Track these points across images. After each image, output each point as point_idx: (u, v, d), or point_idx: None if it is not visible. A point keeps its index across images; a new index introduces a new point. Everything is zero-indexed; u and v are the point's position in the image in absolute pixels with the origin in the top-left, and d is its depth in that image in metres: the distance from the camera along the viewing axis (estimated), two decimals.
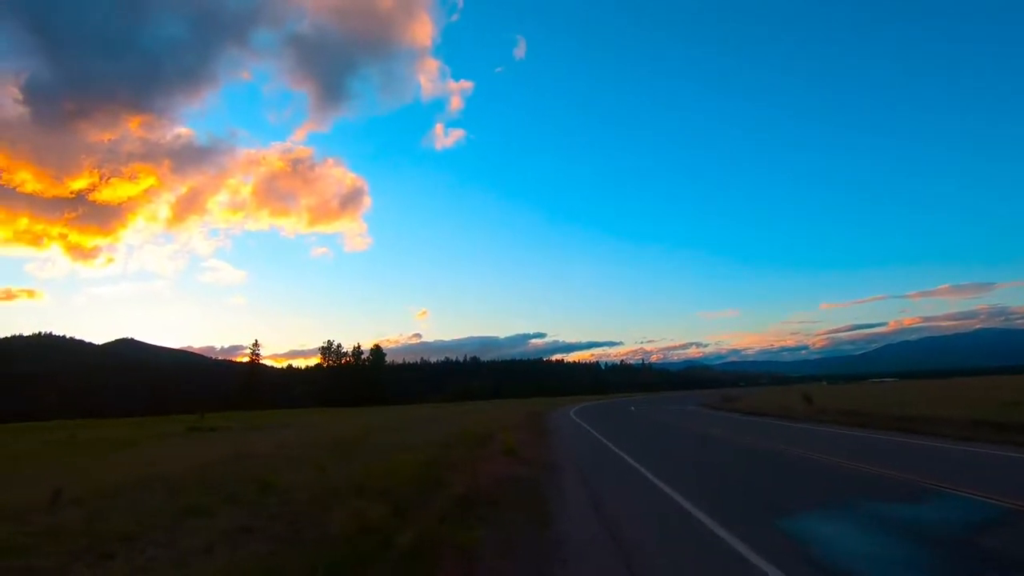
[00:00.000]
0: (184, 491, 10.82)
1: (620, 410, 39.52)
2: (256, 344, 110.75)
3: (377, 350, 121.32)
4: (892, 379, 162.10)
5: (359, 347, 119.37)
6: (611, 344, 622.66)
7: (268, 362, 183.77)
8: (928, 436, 14.01)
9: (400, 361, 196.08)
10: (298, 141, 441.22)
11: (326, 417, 45.98)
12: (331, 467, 13.66)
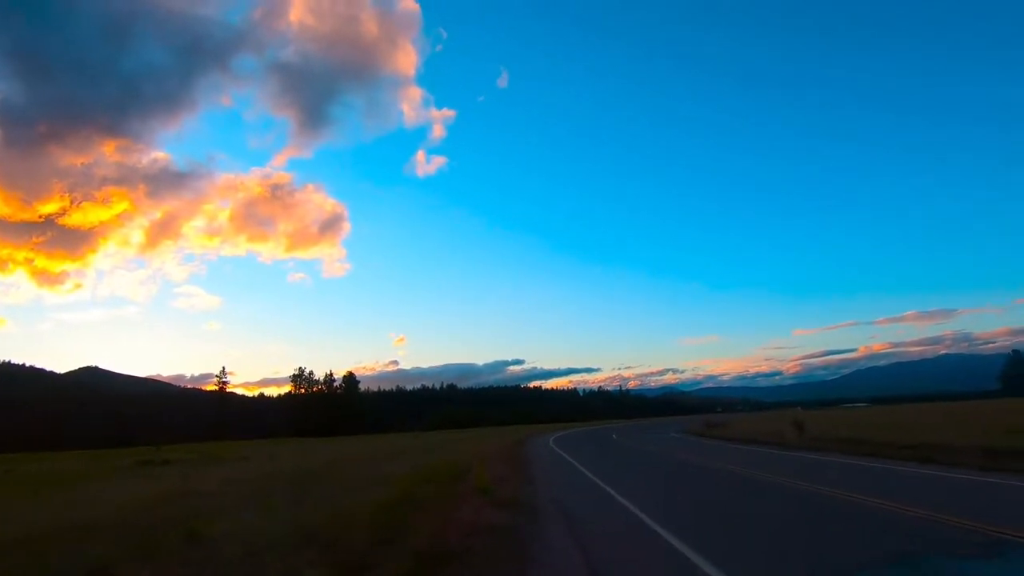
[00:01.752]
0: (97, 541, 9.09)
1: (602, 439, 37.94)
2: (224, 372, 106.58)
3: (350, 377, 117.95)
4: (864, 404, 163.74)
5: (331, 374, 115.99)
6: (589, 371, 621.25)
7: (240, 390, 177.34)
8: (948, 467, 12.91)
9: (377, 389, 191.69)
10: (278, 166, 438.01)
11: (293, 448, 43.54)
12: (282, 508, 11.98)
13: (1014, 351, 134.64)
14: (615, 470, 16.54)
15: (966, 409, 48.55)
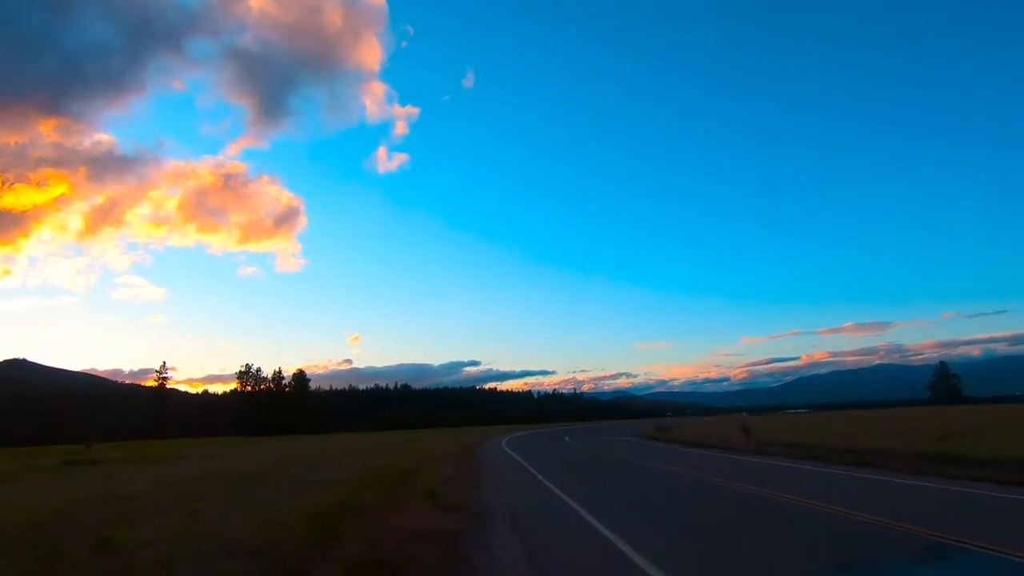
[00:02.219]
0: None
1: (555, 441, 37.87)
2: (164, 367, 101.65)
3: (300, 375, 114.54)
4: (804, 411, 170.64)
5: (280, 372, 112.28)
6: (544, 373, 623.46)
7: (183, 387, 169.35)
8: (885, 471, 13.27)
9: (329, 387, 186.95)
10: (232, 156, 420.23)
11: (236, 448, 41.69)
12: (211, 513, 11.19)
13: (941, 363, 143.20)
14: (568, 474, 16.22)
15: (898, 416, 51.13)
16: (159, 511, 11.58)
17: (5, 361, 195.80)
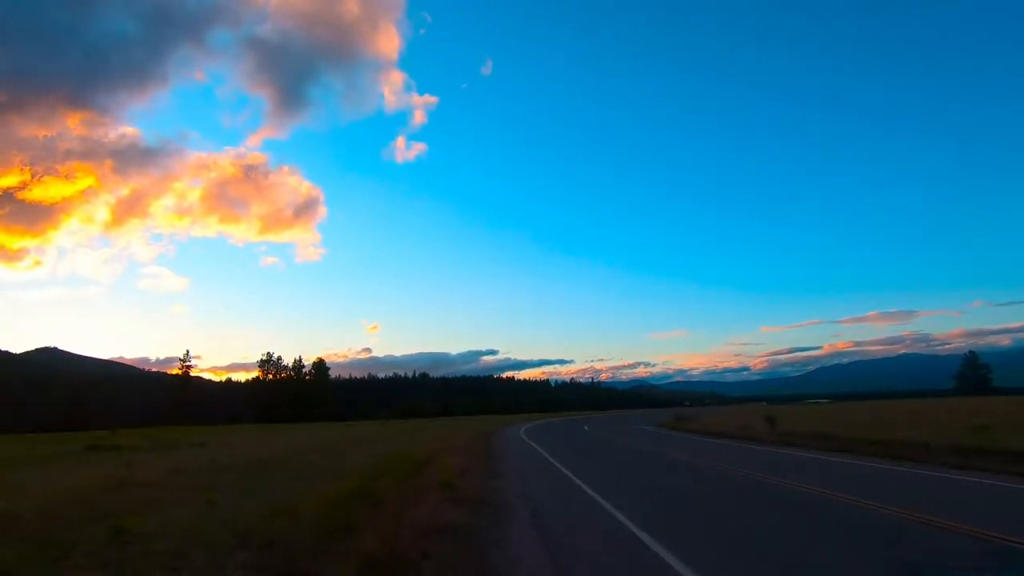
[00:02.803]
0: (6, 538, 8.13)
1: (573, 430, 37.52)
2: (188, 355, 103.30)
3: (320, 364, 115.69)
4: (827, 401, 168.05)
5: (300, 360, 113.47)
6: (562, 362, 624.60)
7: (207, 375, 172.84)
8: (924, 465, 12.66)
9: (348, 376, 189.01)
10: (253, 146, 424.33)
11: (255, 435, 42.11)
12: (226, 501, 11.08)
13: (970, 352, 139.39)
14: (588, 465, 15.69)
15: (926, 407, 49.69)
16: (175, 499, 11.49)
17: (36, 349, 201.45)
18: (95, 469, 18.73)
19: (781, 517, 7.62)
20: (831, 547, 6.00)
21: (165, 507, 10.78)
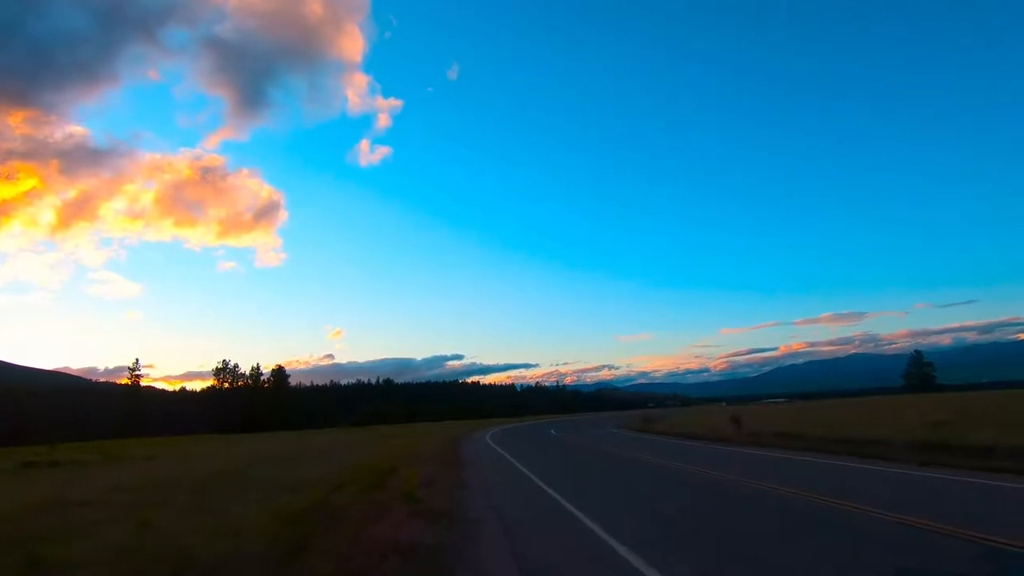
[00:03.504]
0: None
1: (541, 435, 37.11)
2: (137, 363, 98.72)
3: (279, 371, 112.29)
4: (783, 400, 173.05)
5: (258, 368, 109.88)
6: (527, 366, 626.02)
7: (161, 384, 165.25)
8: (892, 462, 12.69)
9: (310, 383, 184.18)
10: (210, 148, 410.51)
11: (209, 446, 40.19)
12: (167, 521, 10.15)
13: (915, 351, 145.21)
14: (560, 472, 15.14)
15: (880, 404, 51.44)
16: (108, 520, 10.48)
17: None
18: (27, 488, 17.28)
19: (779, 525, 7.22)
20: (831, 554, 5.68)
21: (95, 531, 9.79)
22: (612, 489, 11.30)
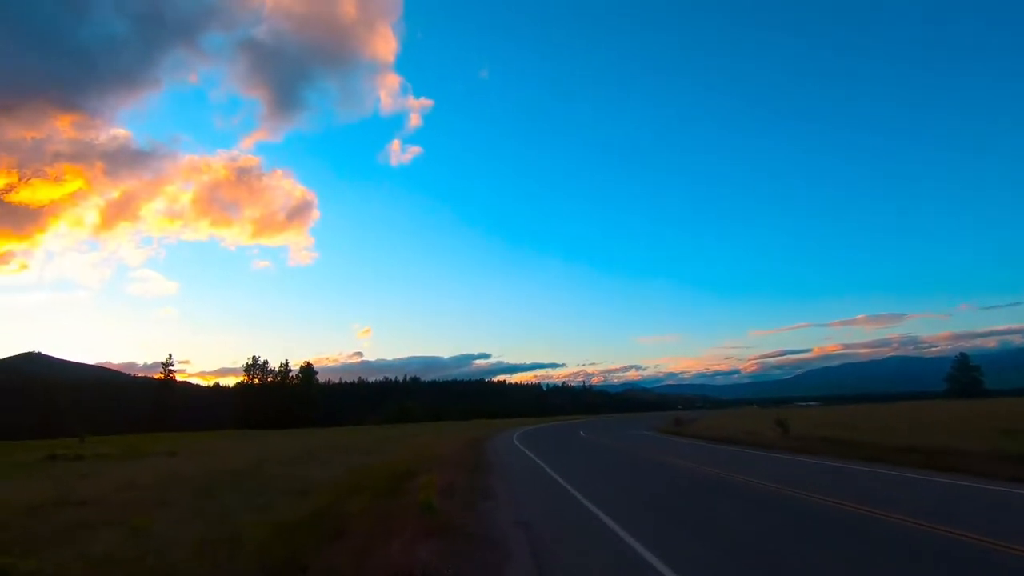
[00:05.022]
0: None
1: (570, 437, 35.68)
2: (171, 359, 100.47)
3: (307, 368, 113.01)
4: (816, 404, 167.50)
5: (286, 364, 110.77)
6: (554, 366, 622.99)
7: (195, 380, 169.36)
8: (971, 476, 11.01)
9: (338, 380, 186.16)
10: (246, 149, 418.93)
11: (232, 442, 39.94)
12: (162, 526, 9.27)
13: (961, 354, 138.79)
14: (595, 479, 13.58)
15: (927, 409, 48.43)
16: (102, 524, 9.65)
17: (20, 355, 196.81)
18: (40, 483, 16.71)
19: (839, 540, 5.79)
20: None
21: (87, 534, 8.94)
22: (667, 505, 9.62)
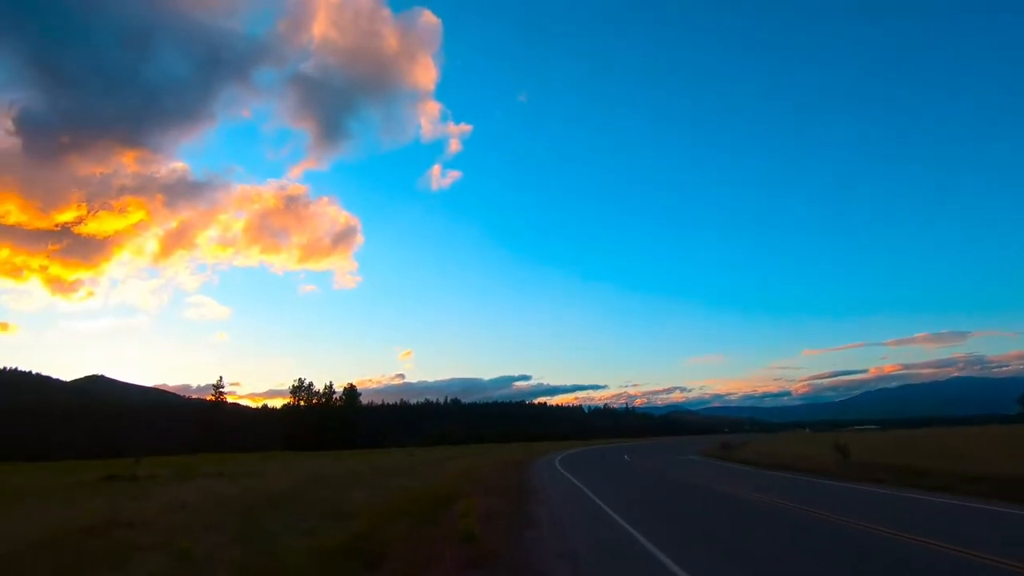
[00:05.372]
0: None
1: (614, 460, 34.67)
2: (221, 381, 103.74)
3: (351, 390, 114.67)
4: (874, 427, 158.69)
5: (331, 386, 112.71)
6: (595, 387, 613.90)
7: (245, 401, 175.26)
8: None
9: (381, 402, 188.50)
10: (294, 178, 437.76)
11: (277, 463, 40.55)
12: (206, 550, 9.26)
13: None
14: (645, 508, 12.76)
15: (998, 434, 44.94)
16: (148, 547, 9.73)
17: (84, 377, 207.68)
18: (94, 504, 17.18)
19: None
20: None
21: (133, 558, 9.01)
22: (727, 542, 8.68)
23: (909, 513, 10.58)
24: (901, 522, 9.49)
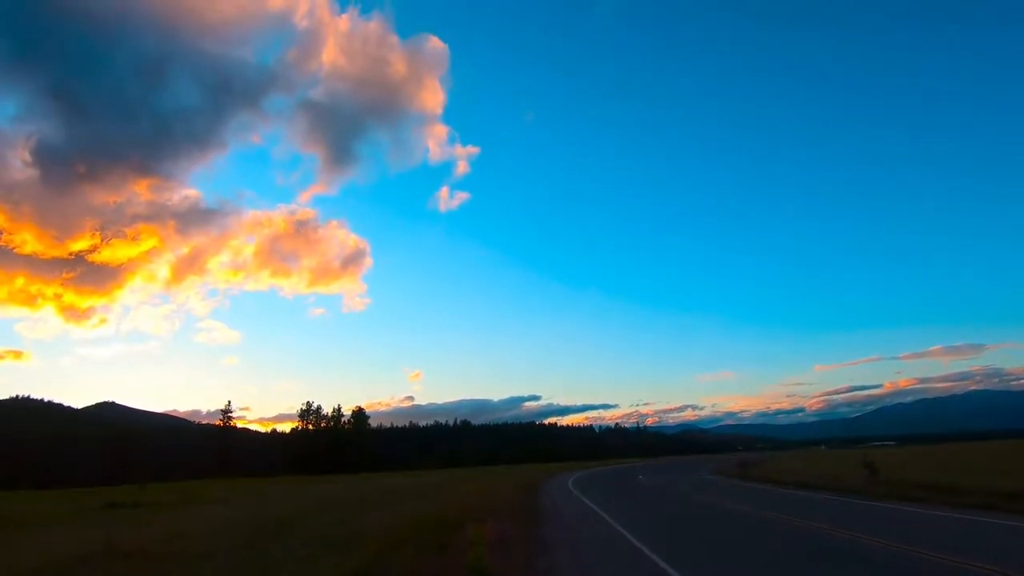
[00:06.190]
0: None
1: (628, 481, 33.69)
2: (229, 406, 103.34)
3: (359, 413, 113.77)
4: (892, 443, 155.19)
5: (339, 409, 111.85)
6: (606, 407, 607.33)
7: (255, 426, 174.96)
8: None
9: (390, 425, 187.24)
10: (304, 203, 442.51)
11: (284, 488, 39.87)
12: None
13: None
14: (670, 535, 11.71)
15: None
16: None
17: (95, 404, 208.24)
18: (94, 532, 16.64)
19: None
20: None
21: None
22: (739, 560, 8.22)
23: (986, 538, 9.49)
24: (990, 552, 8.09)
